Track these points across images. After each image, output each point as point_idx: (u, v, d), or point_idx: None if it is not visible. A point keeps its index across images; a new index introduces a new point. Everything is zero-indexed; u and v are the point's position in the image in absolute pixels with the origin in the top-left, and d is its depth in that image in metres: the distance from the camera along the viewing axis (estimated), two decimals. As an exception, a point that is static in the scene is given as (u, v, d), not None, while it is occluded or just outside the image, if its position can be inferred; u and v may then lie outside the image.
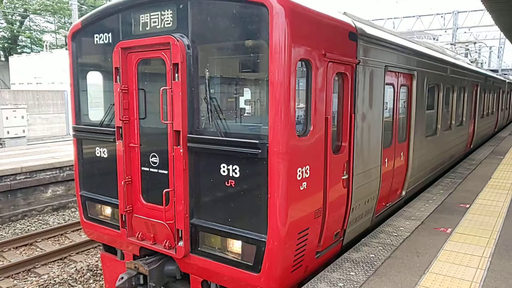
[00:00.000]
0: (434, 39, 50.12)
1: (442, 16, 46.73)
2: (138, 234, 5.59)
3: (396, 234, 6.34)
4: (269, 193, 4.40)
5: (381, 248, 5.80)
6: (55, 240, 11.03)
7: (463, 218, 7.18)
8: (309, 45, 4.59)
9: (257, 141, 4.40)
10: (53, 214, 13.22)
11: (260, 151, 4.36)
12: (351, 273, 4.99)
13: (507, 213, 7.45)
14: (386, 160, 7.09)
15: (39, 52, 44.90)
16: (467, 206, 7.91)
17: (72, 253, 10.10)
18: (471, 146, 15.40)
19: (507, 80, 26.55)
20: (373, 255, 5.54)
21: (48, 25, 57.45)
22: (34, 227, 12.08)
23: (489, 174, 10.93)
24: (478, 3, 16.20)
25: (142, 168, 5.55)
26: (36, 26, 56.71)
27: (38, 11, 53.46)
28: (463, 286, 4.70)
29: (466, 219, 7.13)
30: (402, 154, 7.90)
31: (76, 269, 9.32)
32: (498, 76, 23.64)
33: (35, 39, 55.42)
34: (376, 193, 6.77)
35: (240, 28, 4.57)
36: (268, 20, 4.22)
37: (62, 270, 9.31)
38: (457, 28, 46.31)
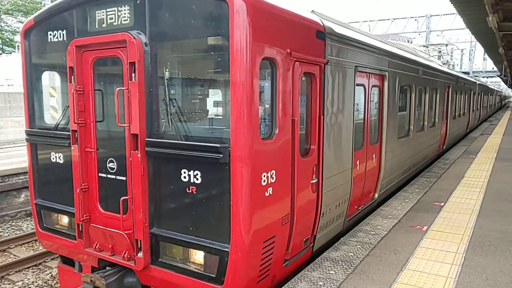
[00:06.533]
0: (408, 41, 51.17)
1: (416, 20, 47.75)
2: (96, 244, 5.24)
3: (374, 233, 6.40)
4: (232, 200, 4.15)
5: (360, 246, 5.84)
6: (29, 246, 10.56)
7: (438, 216, 7.30)
8: (273, 43, 4.37)
9: (218, 145, 4.13)
10: (27, 220, 12.67)
11: (221, 155, 4.10)
12: (331, 272, 5.00)
13: (479, 210, 7.63)
14: (357, 162, 6.94)
15: (10, 53, 43.36)
16: (442, 204, 8.07)
17: (47, 259, 9.66)
18: (444, 147, 15.57)
19: (478, 82, 27.18)
20: (352, 254, 5.57)
21: (20, 25, 55.74)
22: (6, 233, 11.54)
23: (462, 173, 11.19)
24: (451, 7, 16.49)
25: (100, 175, 5.20)
26: (8, 26, 54.91)
27: (10, 11, 51.71)
28: (439, 282, 4.78)
29: (441, 217, 7.26)
30: (374, 156, 7.78)
31: (51, 275, 8.92)
32: (469, 78, 24.16)
33: (7, 39, 53.61)
34: (348, 196, 6.60)
35: (199, 25, 4.30)
36: (229, 17, 3.97)
37: (37, 277, 8.92)
38: (430, 31, 47.40)
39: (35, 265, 9.42)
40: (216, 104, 4.78)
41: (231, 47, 3.97)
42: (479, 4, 14.22)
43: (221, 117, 4.60)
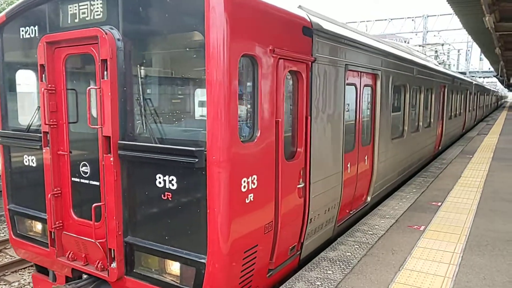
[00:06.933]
0: (405, 41, 51.10)
1: (413, 20, 47.64)
2: (69, 253, 4.94)
3: (371, 233, 6.36)
4: (209, 208, 3.85)
5: (357, 246, 5.81)
6: (26, 247, 10.44)
7: (435, 215, 7.28)
8: (254, 39, 4.08)
9: (193, 149, 3.83)
10: (23, 221, 12.49)
11: (197, 160, 3.80)
12: (329, 272, 4.97)
13: (476, 210, 7.63)
14: (348, 165, 6.66)
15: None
16: (439, 204, 8.04)
17: (43, 260, 9.51)
18: (439, 148, 15.33)
19: (474, 82, 26.99)
20: (350, 254, 5.54)
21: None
22: (2, 233, 11.32)
23: (459, 172, 11.18)
24: (448, 7, 16.33)
25: (73, 179, 4.90)
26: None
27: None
28: (437, 282, 4.77)
29: (438, 216, 7.23)
30: (366, 158, 7.50)
31: (47, 276, 8.76)
32: (465, 78, 23.94)
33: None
34: (338, 201, 6.32)
35: (174, 20, 4.00)
36: (204, 11, 3.67)
37: (33, 277, 8.77)
38: (427, 31, 47.30)
39: (31, 266, 9.21)
40: (193, 104, 4.50)
41: (207, 43, 3.68)
42: (476, 4, 14.09)
43: (197, 118, 4.31)
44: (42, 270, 5.86)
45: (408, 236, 6.26)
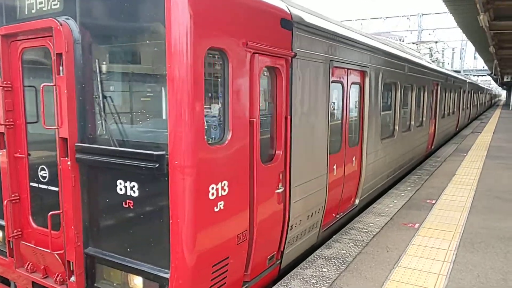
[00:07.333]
0: (400, 40, 50.97)
1: (407, 18, 47.45)
2: (28, 264, 4.55)
3: (366, 230, 6.36)
4: (171, 218, 3.48)
5: (352, 244, 5.80)
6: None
7: (429, 213, 7.29)
8: (223, 31, 3.70)
9: (153, 152, 3.45)
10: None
11: (157, 165, 3.43)
12: (324, 270, 4.96)
13: (470, 208, 7.65)
14: (334, 167, 6.30)
15: None
16: (433, 201, 8.04)
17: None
18: (432, 147, 15.03)
19: (468, 80, 26.75)
20: (345, 251, 5.53)
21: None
22: None
23: (453, 170, 11.17)
24: (443, 6, 16.11)
25: (31, 184, 4.51)
26: None
27: None
28: (431, 279, 4.78)
29: (432, 214, 7.24)
30: (354, 159, 7.15)
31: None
32: (459, 76, 23.68)
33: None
34: (323, 205, 5.96)
35: (135, 10, 3.62)
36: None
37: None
38: (422, 30, 47.15)
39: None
40: (157, 103, 4.12)
41: (168, 35, 3.30)
42: (470, 3, 13.86)
43: (160, 118, 3.95)
44: (5, 280, 5.48)
45: (402, 233, 6.23)
